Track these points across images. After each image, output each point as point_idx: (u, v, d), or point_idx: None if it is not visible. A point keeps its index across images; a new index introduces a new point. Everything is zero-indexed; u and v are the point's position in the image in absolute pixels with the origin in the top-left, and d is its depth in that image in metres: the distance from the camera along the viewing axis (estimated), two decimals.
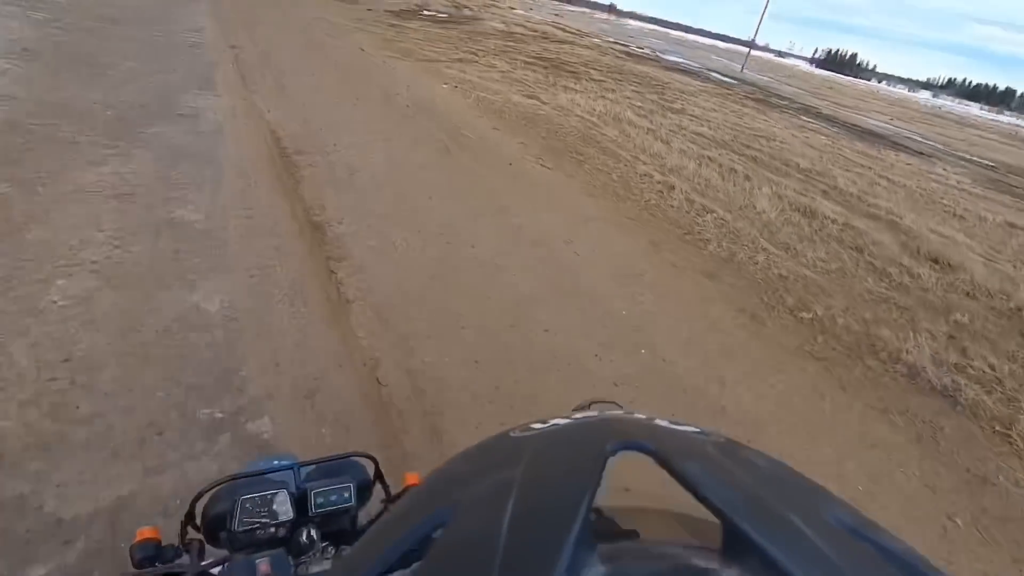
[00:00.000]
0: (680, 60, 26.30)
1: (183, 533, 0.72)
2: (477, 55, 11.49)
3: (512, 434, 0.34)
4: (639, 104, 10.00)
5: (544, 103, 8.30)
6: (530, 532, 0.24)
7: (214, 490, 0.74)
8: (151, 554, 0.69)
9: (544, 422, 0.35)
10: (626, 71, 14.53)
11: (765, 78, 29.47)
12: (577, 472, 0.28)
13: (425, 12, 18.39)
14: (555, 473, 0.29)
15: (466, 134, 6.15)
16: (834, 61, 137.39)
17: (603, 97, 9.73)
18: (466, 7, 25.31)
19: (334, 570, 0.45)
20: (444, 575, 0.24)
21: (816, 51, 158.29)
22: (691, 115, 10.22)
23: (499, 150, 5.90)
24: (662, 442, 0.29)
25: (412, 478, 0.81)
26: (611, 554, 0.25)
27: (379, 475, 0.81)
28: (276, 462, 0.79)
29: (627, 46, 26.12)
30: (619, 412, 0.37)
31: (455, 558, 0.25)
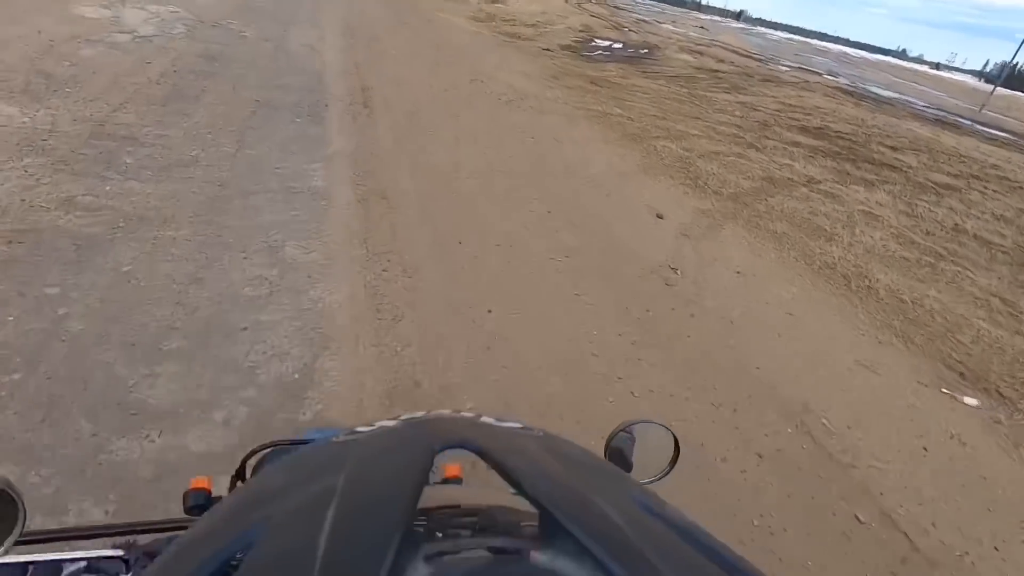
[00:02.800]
0: (895, 95, 20.43)
1: (232, 487, 0.73)
2: (744, 133, 7.30)
3: (335, 440, 0.34)
4: None
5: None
6: (351, 539, 0.24)
7: (265, 451, 0.74)
8: (201, 503, 0.68)
9: (371, 425, 0.35)
10: (917, 142, 9.65)
11: None
12: (403, 472, 0.27)
13: (598, 43, 14.46)
14: (380, 475, 0.28)
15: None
16: (1013, 76, 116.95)
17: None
18: (628, 29, 21.18)
19: None
20: None
21: (987, 63, 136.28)
22: None
23: None
24: (486, 439, 0.30)
25: (453, 469, 0.78)
26: (434, 552, 0.26)
27: None
28: (334, 431, 0.62)
29: (829, 77, 20.66)
30: (446, 412, 0.37)
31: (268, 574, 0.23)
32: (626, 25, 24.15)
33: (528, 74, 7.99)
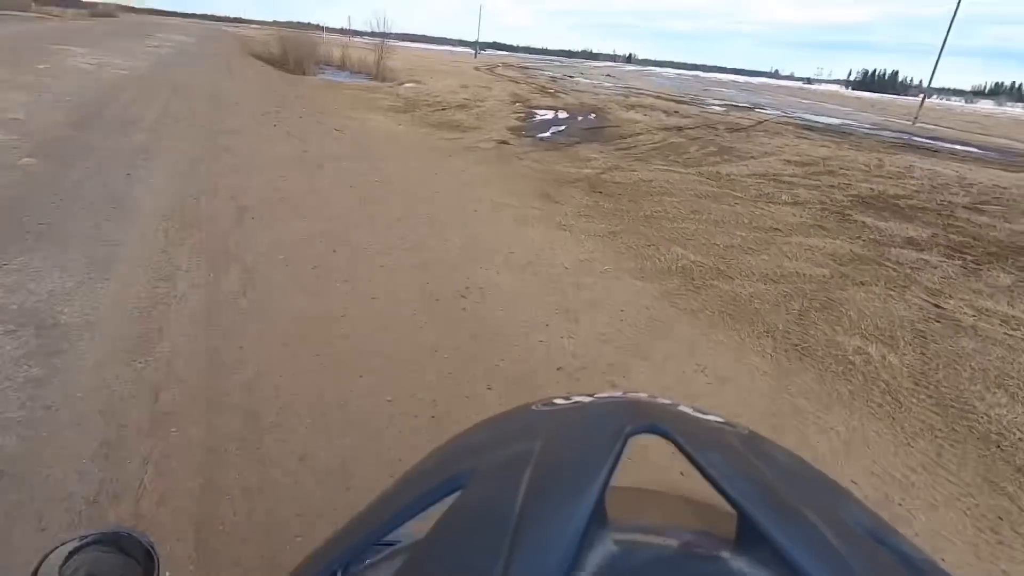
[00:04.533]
0: (830, 120, 19.79)
1: None
2: (845, 240, 4.89)
3: (534, 407, 0.34)
4: None
5: None
6: (545, 504, 0.24)
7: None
8: None
9: (567, 398, 0.35)
10: (969, 187, 7.76)
11: (999, 138, 22.54)
12: (595, 449, 0.27)
13: (542, 116, 12.29)
14: (573, 449, 0.28)
15: None
16: (874, 81, 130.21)
17: None
18: (556, 92, 19.51)
19: (353, 521, 0.34)
20: (457, 539, 0.24)
21: (851, 73, 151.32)
22: None
23: None
24: (683, 428, 0.29)
25: None
26: (623, 536, 0.26)
27: None
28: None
29: (764, 112, 19.79)
30: (643, 395, 0.36)
31: (469, 523, 0.25)
32: (548, 86, 22.72)
33: (504, 202, 5.24)
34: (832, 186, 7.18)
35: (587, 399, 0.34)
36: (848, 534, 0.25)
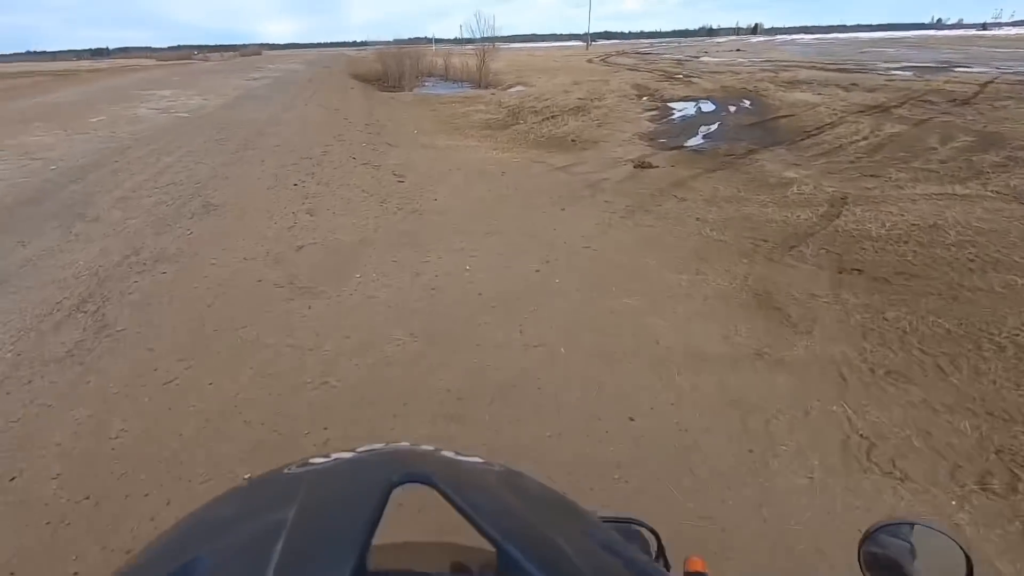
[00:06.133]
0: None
1: None
2: None
3: (287, 471, 0.33)
4: None
5: None
6: None
7: None
8: None
9: (326, 456, 0.34)
10: None
11: None
12: (358, 506, 0.26)
13: (679, 110, 9.49)
14: (333, 509, 0.27)
15: None
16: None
17: None
18: (684, 76, 16.29)
19: None
20: None
21: None
22: None
23: None
24: (445, 474, 0.29)
25: (697, 563, 0.60)
26: None
27: (661, 551, 0.59)
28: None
29: (971, 71, 14.97)
30: (405, 445, 0.36)
31: None
32: (674, 71, 19.41)
33: (696, 353, 2.36)
34: None
35: (348, 455, 0.34)
36: (588, 552, 0.28)
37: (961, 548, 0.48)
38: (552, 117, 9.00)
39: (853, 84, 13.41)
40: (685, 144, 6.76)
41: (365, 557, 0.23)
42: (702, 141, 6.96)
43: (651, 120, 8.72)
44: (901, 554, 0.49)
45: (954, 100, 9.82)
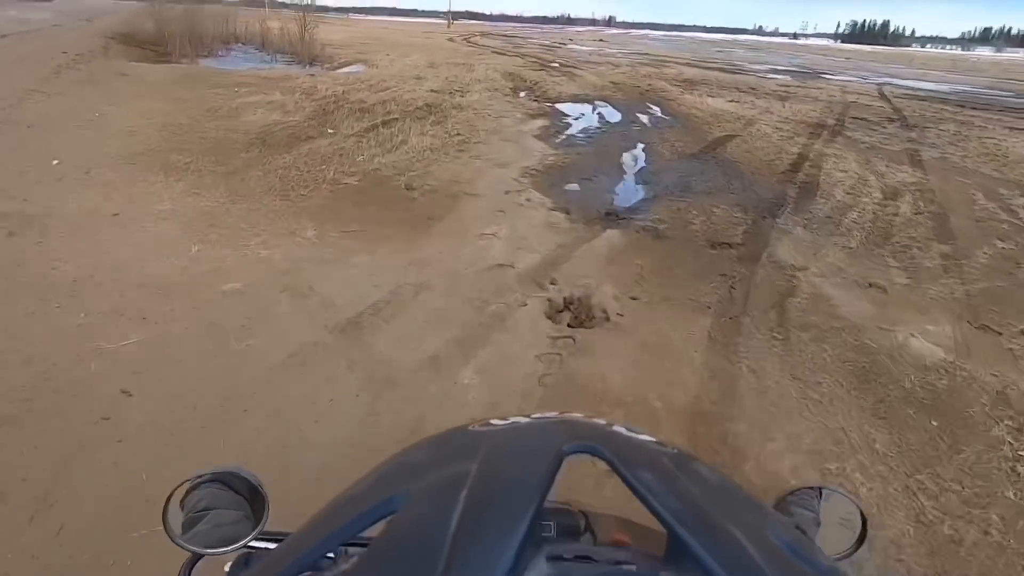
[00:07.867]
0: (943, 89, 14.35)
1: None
2: None
3: (471, 428, 0.34)
4: None
5: None
6: (479, 526, 0.24)
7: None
8: None
9: (504, 419, 0.35)
10: None
11: None
12: (531, 470, 0.27)
13: (566, 117, 6.58)
14: (509, 469, 0.29)
15: None
16: (864, 33, 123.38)
17: None
18: (557, 64, 13.59)
19: (285, 544, 0.35)
20: (390, 562, 0.24)
21: (839, 26, 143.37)
22: None
23: None
24: (617, 448, 0.29)
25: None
26: (556, 554, 0.26)
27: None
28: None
29: (859, 82, 14.25)
30: (579, 415, 0.36)
31: (403, 546, 0.25)
32: (547, 59, 16.65)
33: None
34: None
35: (524, 419, 0.34)
36: (769, 550, 0.26)
37: (856, 504, 0.51)
38: (384, 124, 5.49)
39: (752, 88, 11.70)
40: (620, 210, 3.70)
41: (538, 515, 0.24)
42: (646, 197, 3.99)
43: (540, 137, 5.64)
44: (803, 516, 0.51)
45: (893, 119, 8.14)
